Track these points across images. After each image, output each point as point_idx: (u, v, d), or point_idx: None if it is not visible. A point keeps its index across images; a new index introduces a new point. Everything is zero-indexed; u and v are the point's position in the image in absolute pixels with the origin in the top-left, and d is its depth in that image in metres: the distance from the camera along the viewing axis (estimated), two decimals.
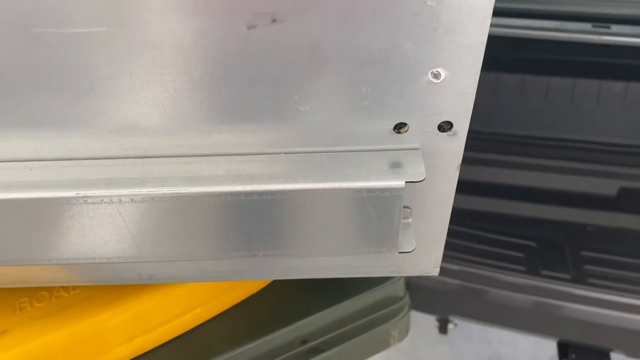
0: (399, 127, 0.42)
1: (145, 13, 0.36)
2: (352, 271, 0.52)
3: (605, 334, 1.19)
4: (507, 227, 1.38)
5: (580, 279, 1.24)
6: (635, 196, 1.40)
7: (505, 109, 1.44)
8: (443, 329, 1.60)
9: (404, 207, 0.47)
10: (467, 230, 1.37)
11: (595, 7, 1.38)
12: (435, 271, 0.53)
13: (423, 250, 0.50)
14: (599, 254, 1.30)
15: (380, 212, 0.42)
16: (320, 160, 0.43)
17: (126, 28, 0.37)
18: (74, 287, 0.57)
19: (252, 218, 0.42)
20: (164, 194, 0.41)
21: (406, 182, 0.41)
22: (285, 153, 0.43)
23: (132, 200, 0.41)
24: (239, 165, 0.42)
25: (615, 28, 1.33)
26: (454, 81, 0.39)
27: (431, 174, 0.44)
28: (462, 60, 0.38)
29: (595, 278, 1.24)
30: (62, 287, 0.57)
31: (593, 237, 1.35)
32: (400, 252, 0.45)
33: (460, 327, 1.65)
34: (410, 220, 0.48)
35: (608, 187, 1.42)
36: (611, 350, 1.22)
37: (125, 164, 0.43)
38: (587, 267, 1.27)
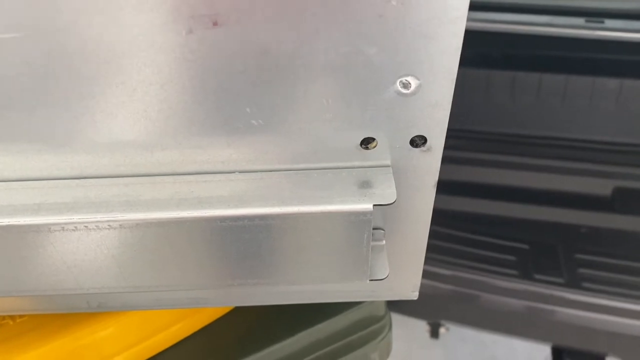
0: (367, 143, 0.37)
1: (65, 16, 0.31)
2: (323, 296, 0.48)
3: (600, 338, 1.16)
4: (499, 229, 1.34)
5: (574, 283, 1.20)
6: (630, 196, 1.36)
7: (495, 107, 1.40)
8: (435, 333, 1.57)
9: (377, 229, 0.42)
10: (456, 233, 1.33)
11: (588, 1, 1.33)
12: (413, 295, 0.48)
13: (399, 274, 0.46)
14: (593, 256, 1.26)
15: (346, 238, 0.37)
16: (278, 180, 0.38)
17: (45, 34, 0.32)
18: (21, 315, 0.52)
19: (200, 246, 0.37)
20: (98, 221, 0.36)
21: (375, 204, 0.36)
22: (239, 172, 0.38)
23: (63, 228, 0.36)
24: (185, 186, 0.37)
25: (609, 23, 1.29)
26: (426, 91, 0.34)
27: (404, 194, 0.39)
28: (435, 67, 0.33)
29: (590, 282, 1.21)
30: (7, 314, 0.52)
31: (587, 239, 1.32)
32: (372, 280, 0.41)
33: (454, 328, 1.61)
34: (383, 242, 0.43)
35: (602, 187, 1.38)
36: (606, 355, 1.18)
37: (58, 187, 0.38)
38: (581, 270, 1.23)
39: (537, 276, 1.23)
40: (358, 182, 0.37)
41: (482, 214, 1.37)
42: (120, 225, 0.36)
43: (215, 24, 0.31)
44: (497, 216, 1.37)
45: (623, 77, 1.32)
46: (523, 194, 1.38)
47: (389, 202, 0.36)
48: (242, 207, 0.36)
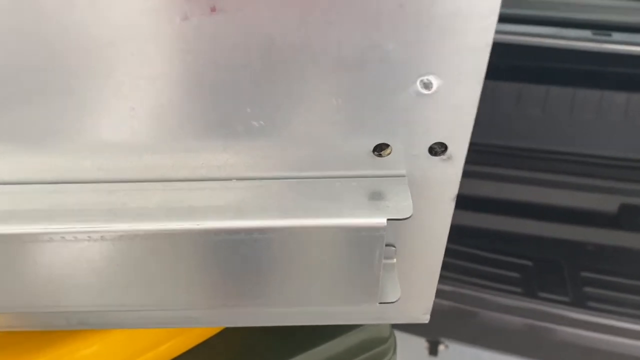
0: (380, 149, 0.33)
1: None
2: (324, 318, 0.43)
3: None
4: (502, 245, 1.30)
5: (579, 302, 1.17)
6: (637, 213, 1.33)
7: (500, 119, 1.36)
8: (433, 350, 1.52)
9: (387, 245, 0.38)
10: (458, 248, 1.29)
11: (595, 14, 1.31)
12: (424, 318, 0.44)
13: (411, 295, 0.42)
14: (599, 275, 1.23)
15: (355, 256, 0.33)
16: (280, 189, 0.34)
17: (19, 18, 0.28)
18: None
19: (191, 262, 0.33)
20: (77, 231, 0.32)
21: (389, 219, 0.32)
22: (237, 179, 0.34)
23: (36, 239, 0.32)
24: (176, 194, 0.33)
25: (616, 36, 1.26)
26: (450, 92, 0.30)
27: (420, 208, 0.35)
28: (460, 66, 0.29)
29: (596, 301, 1.17)
30: None
31: (593, 256, 1.28)
32: (382, 303, 0.37)
33: (454, 346, 1.57)
34: (394, 260, 0.39)
35: (608, 204, 1.35)
36: None
37: (33, 192, 0.34)
38: (587, 289, 1.20)
39: (541, 294, 1.19)
40: (369, 193, 0.33)
41: (485, 229, 1.34)
42: (101, 236, 0.32)
43: (213, 9, 0.27)
44: (500, 231, 1.33)
45: (631, 91, 1.29)
46: (527, 208, 1.35)
47: (405, 217, 0.32)
48: (239, 219, 0.32)
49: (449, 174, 0.34)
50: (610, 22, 1.29)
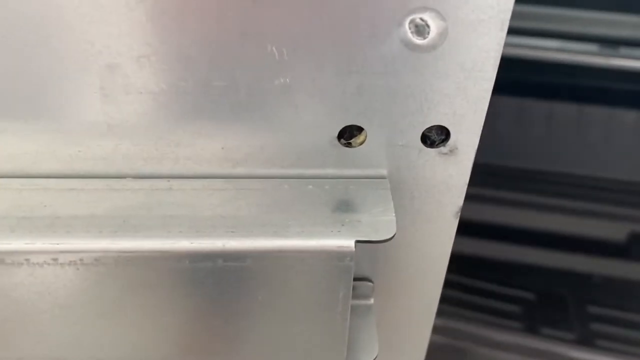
0: (350, 136, 0.22)
1: None
2: None
3: None
4: (501, 275, 1.23)
5: (586, 340, 1.11)
6: None
7: (500, 137, 1.29)
8: None
9: (361, 279, 0.27)
10: (453, 278, 1.20)
11: (601, 28, 1.26)
12: None
13: (394, 347, 0.30)
14: (607, 309, 1.15)
15: (310, 296, 0.22)
16: (195, 193, 0.22)
17: None
18: None
19: (47, 301, 0.21)
20: None
21: (358, 241, 0.21)
22: (133, 177, 0.23)
23: None
24: (37, 197, 0.22)
25: (624, 51, 1.21)
26: (456, 43, 0.19)
27: (409, 225, 0.24)
28: None
29: (604, 339, 1.11)
30: None
31: (600, 289, 1.21)
32: None
33: None
34: (371, 301, 0.27)
35: (615, 232, 1.27)
36: None
37: None
38: (594, 325, 1.13)
39: (544, 330, 1.12)
40: (333, 202, 0.22)
41: (482, 257, 1.26)
42: None
43: None
44: (500, 260, 1.26)
45: None
46: (528, 235, 1.27)
47: (384, 238, 0.21)
48: (127, 238, 0.20)
49: (451, 176, 0.23)
50: (617, 36, 1.24)
